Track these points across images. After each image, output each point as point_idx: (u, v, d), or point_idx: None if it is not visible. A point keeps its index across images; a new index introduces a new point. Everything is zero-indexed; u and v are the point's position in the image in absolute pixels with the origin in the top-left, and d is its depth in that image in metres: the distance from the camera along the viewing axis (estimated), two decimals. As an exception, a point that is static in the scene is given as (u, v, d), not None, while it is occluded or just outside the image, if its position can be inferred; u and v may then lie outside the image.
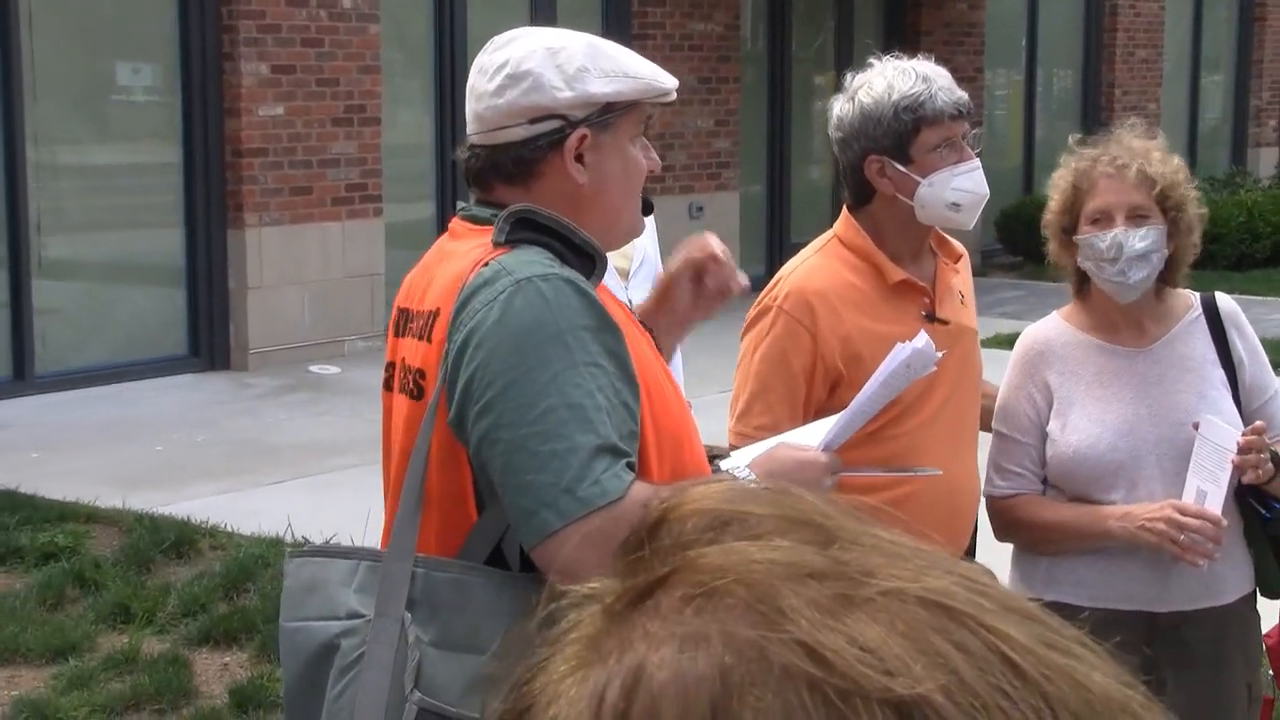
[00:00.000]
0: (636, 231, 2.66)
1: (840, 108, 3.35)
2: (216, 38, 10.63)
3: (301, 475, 8.12)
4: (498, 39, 2.62)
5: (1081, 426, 3.44)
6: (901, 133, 3.25)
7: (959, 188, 3.27)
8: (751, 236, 14.02)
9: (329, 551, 2.52)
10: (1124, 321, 3.53)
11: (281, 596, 2.50)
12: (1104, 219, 3.41)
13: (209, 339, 10.77)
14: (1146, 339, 3.53)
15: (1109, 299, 3.49)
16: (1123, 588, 3.41)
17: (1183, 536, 3.27)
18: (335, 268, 11.17)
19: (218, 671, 5.71)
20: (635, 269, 5.16)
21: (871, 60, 3.38)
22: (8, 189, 9.93)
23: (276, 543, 6.73)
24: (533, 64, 2.52)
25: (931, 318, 3.32)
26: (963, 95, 3.32)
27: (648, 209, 2.70)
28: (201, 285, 10.74)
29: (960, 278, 3.50)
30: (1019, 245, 14.84)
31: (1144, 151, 3.44)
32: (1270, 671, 3.49)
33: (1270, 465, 3.31)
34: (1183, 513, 3.28)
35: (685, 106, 13.56)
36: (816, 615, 0.66)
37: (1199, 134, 20.18)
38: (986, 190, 3.34)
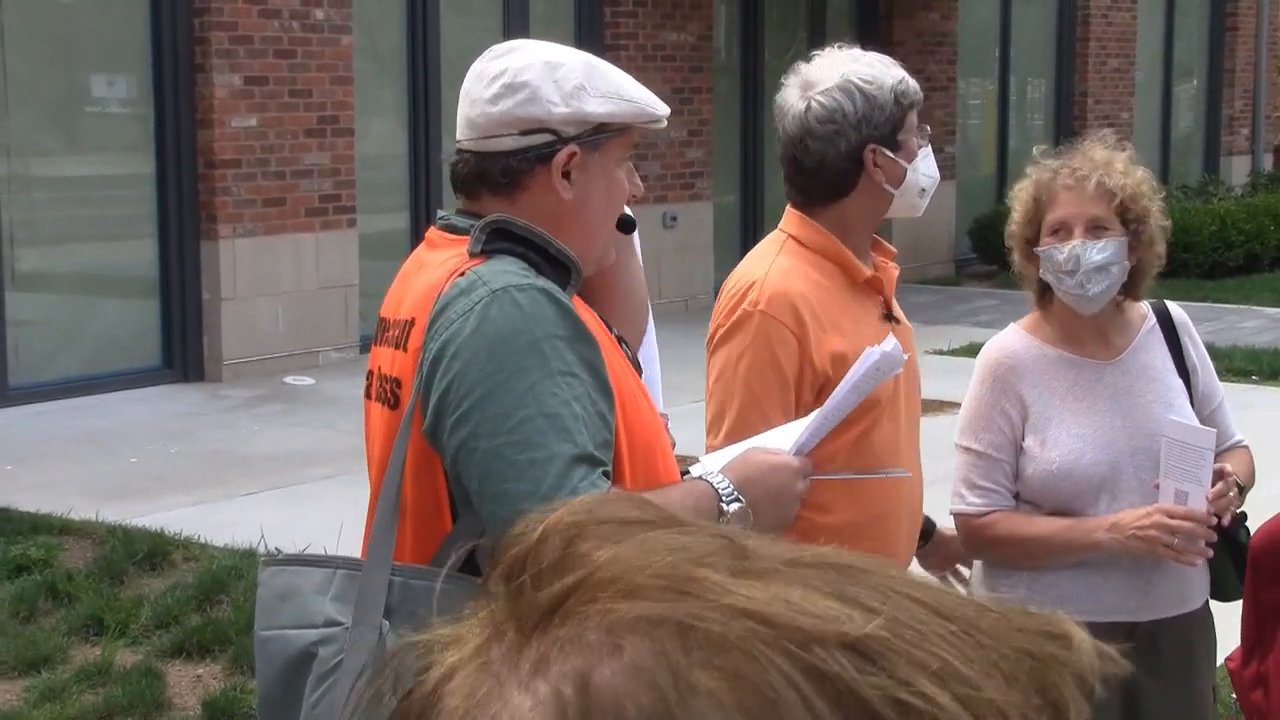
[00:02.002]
0: (609, 257, 2.66)
1: (827, 100, 3.19)
2: (189, 49, 10.62)
3: (275, 487, 8.10)
4: (497, 48, 2.63)
5: (1063, 442, 3.42)
6: (897, 118, 3.19)
7: (926, 172, 3.25)
8: (725, 246, 14.03)
9: (304, 560, 2.51)
10: (1088, 334, 3.53)
11: (256, 604, 2.50)
12: (1063, 230, 3.41)
13: (182, 350, 10.74)
14: (1113, 351, 3.54)
15: (1070, 311, 3.49)
16: (1107, 600, 3.40)
17: (1176, 539, 3.27)
18: (309, 279, 11.15)
19: (191, 683, 5.69)
20: None
21: (814, 53, 3.30)
22: (-21, 201, 9.89)
23: (250, 554, 6.71)
24: (531, 76, 2.52)
25: (889, 316, 3.29)
26: None
27: (628, 227, 2.69)
28: (175, 297, 10.72)
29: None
30: (992, 255, 14.88)
31: (1105, 163, 3.43)
32: (1233, 695, 3.49)
33: (1236, 496, 3.35)
34: (1171, 515, 3.28)
35: (659, 116, 13.56)
36: (741, 586, 0.67)
37: (1171, 142, 20.28)
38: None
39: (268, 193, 10.92)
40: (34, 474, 8.25)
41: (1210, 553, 3.32)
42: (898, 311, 3.35)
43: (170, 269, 10.72)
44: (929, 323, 13.05)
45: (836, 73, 3.20)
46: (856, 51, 3.27)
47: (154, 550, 6.77)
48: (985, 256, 15.68)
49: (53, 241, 10.60)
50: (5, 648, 5.84)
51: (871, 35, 15.71)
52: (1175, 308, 3.67)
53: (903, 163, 3.21)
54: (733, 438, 3.11)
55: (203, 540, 7.01)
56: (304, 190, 11.12)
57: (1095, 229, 3.39)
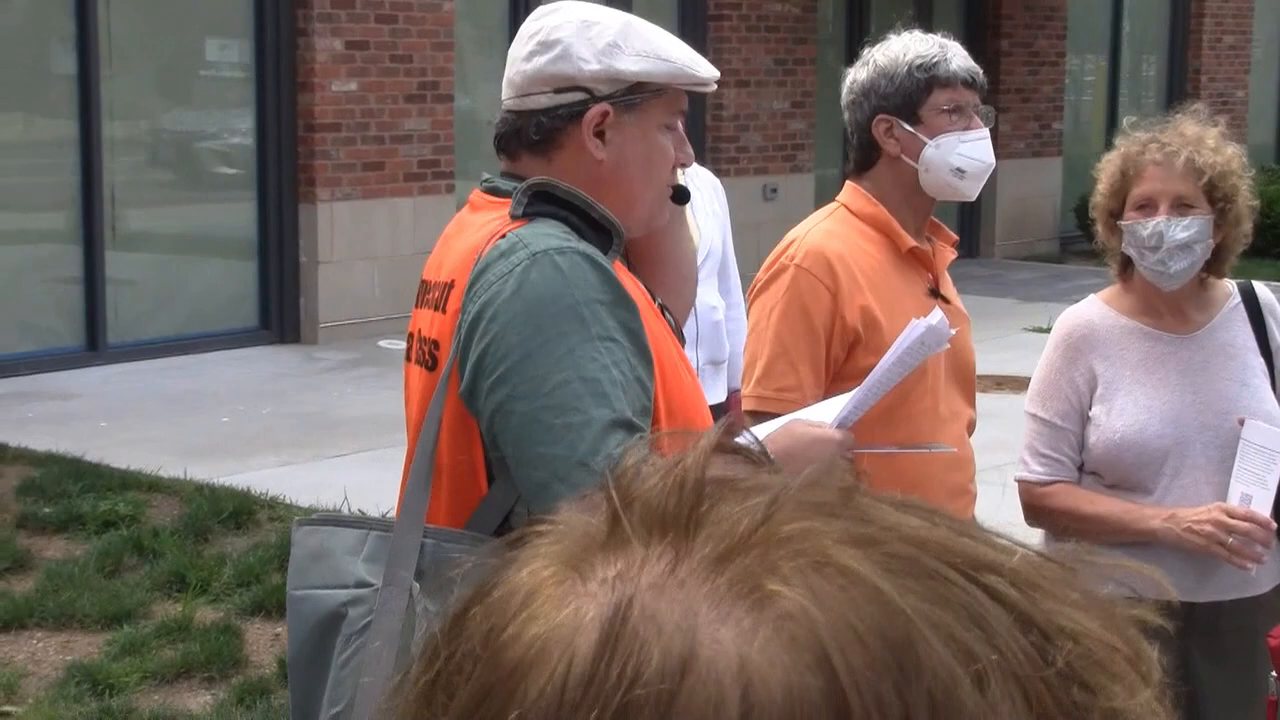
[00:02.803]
0: (658, 221, 2.62)
1: (855, 73, 3.36)
2: (291, 13, 10.67)
3: (363, 449, 8.14)
4: (541, 8, 2.62)
5: (1129, 412, 3.38)
6: (912, 91, 3.26)
7: (965, 154, 3.27)
8: (826, 219, 13.93)
9: (337, 520, 2.51)
10: (1166, 308, 3.49)
11: (289, 564, 2.50)
12: (1149, 206, 3.38)
13: (279, 312, 10.83)
14: (1190, 326, 3.49)
15: (1150, 285, 3.46)
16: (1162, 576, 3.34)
17: (1231, 539, 3.22)
18: (405, 243, 11.20)
19: (269, 642, 5.73)
20: (700, 262, 5.09)
21: (890, 34, 3.37)
22: (83, 162, 10.01)
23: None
24: (564, 33, 2.51)
25: (935, 293, 3.32)
26: (977, 68, 3.31)
27: (682, 197, 2.66)
28: (272, 259, 10.81)
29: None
30: (1098, 232, 14.65)
31: (1196, 139, 3.38)
32: (1275, 672, 3.43)
33: None
34: (1230, 515, 3.23)
35: (761, 88, 13.50)
36: (906, 518, 0.69)
37: (1287, 122, 19.90)
38: (992, 159, 3.33)
39: (366, 157, 10.97)
40: (127, 431, 8.35)
41: (1264, 559, 3.26)
42: (948, 291, 3.37)
43: (269, 231, 10.80)
44: (1029, 299, 12.91)
45: (878, 47, 3.35)
46: (917, 34, 3.35)
47: (239, 509, 6.84)
48: (1091, 234, 15.43)
49: (153, 202, 10.72)
50: (89, 601, 5.91)
51: (979, 8, 15.53)
52: (1262, 288, 3.62)
53: (922, 137, 3.25)
54: (762, 385, 3.18)
55: (288, 500, 7.06)
56: (403, 155, 11.16)
57: (1181, 206, 3.36)
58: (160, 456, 7.67)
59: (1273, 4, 19.38)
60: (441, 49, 11.34)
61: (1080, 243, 16.10)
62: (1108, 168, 3.47)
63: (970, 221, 15.62)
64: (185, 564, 6.25)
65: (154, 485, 7.24)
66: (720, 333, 5.06)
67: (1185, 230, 3.34)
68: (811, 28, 13.96)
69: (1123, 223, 3.40)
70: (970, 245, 15.67)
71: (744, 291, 5.20)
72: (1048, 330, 12.99)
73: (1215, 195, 3.36)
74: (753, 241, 11.84)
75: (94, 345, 10.07)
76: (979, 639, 0.64)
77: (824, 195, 14.21)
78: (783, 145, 13.77)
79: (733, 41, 13.18)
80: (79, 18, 9.91)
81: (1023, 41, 15.77)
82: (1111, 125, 17.37)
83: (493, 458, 2.38)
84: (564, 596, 0.67)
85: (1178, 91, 17.87)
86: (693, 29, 13.03)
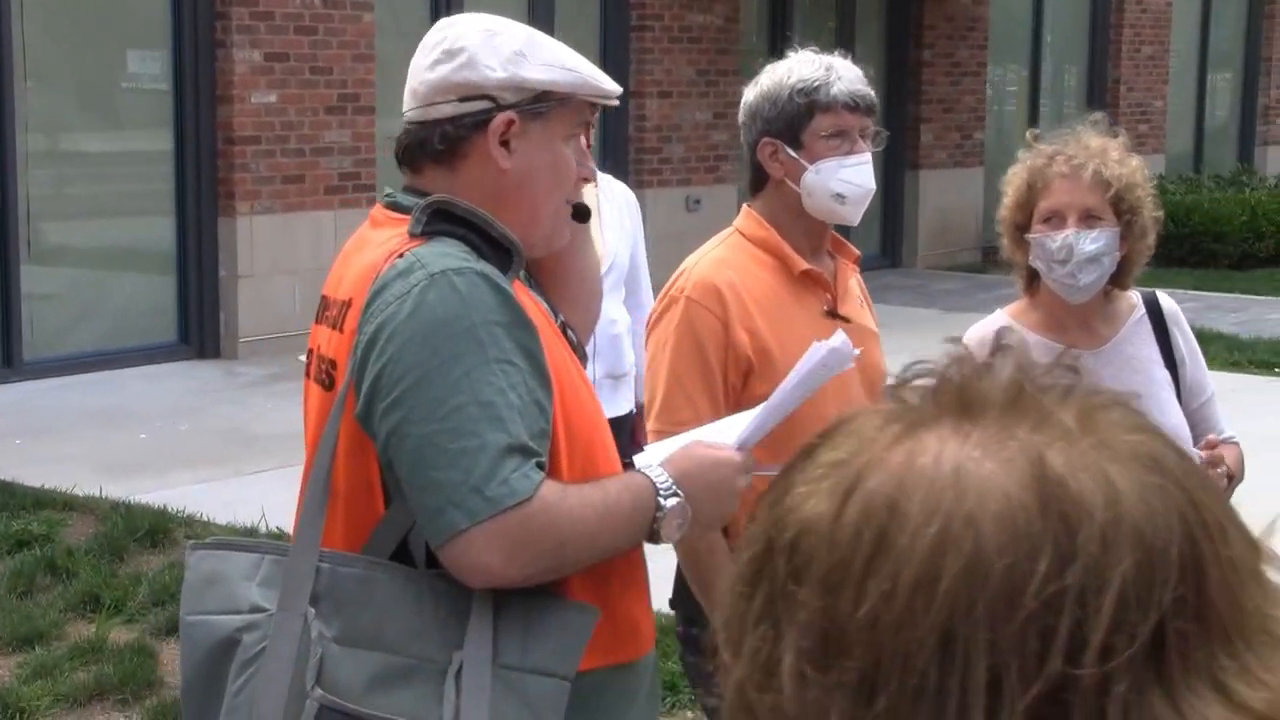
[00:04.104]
0: (558, 239, 2.59)
1: (745, 94, 3.35)
2: (210, 24, 10.59)
3: (282, 465, 8.05)
4: (443, 20, 2.60)
5: None
6: (794, 115, 3.24)
7: (845, 179, 3.25)
8: (750, 230, 13.95)
9: (231, 544, 2.47)
10: (1073, 322, 3.49)
11: (182, 589, 2.45)
12: (1056, 219, 3.38)
13: (199, 327, 10.74)
14: (1097, 340, 3.50)
15: (1057, 299, 3.46)
16: None
17: None
18: (327, 257, 11.06)
19: (183, 662, 5.66)
20: (601, 275, 5.07)
21: (789, 51, 3.36)
22: (-2, 175, 9.89)
23: (251, 533, 6.69)
24: (469, 42, 2.49)
25: (833, 314, 3.30)
26: (866, 92, 3.27)
27: (582, 215, 2.64)
28: (192, 273, 10.71)
29: (857, 281, 3.47)
30: (1020, 241, 14.72)
31: (1100, 151, 3.39)
32: None
33: (1224, 479, 3.28)
34: None
35: (683, 99, 13.51)
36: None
37: (1206, 131, 20.09)
38: (872, 184, 3.30)
39: (287, 170, 10.89)
40: (43, 448, 8.24)
41: None
42: (849, 309, 3.36)
43: (188, 245, 10.70)
44: (953, 310, 12.97)
45: (769, 67, 3.33)
46: (805, 55, 3.32)
47: (155, 527, 6.76)
48: (1013, 244, 15.56)
49: (71, 216, 10.60)
50: (1, 622, 5.82)
51: (901, 19, 15.60)
52: (1165, 298, 3.64)
53: (803, 162, 3.24)
54: (660, 420, 3.18)
55: (205, 518, 6.99)
56: (323, 168, 11.09)
57: (1088, 219, 3.36)
58: (76, 474, 7.58)
59: (1191, 15, 19.58)
60: (362, 60, 11.28)
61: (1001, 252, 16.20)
62: (1014, 180, 3.47)
63: (893, 232, 15.69)
64: (99, 584, 6.17)
65: (69, 504, 7.15)
66: (620, 346, 5.06)
67: (1094, 243, 3.34)
68: (734, 39, 13.99)
69: (1030, 236, 3.40)
70: (893, 255, 15.74)
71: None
72: (968, 340, 12.97)
73: (1121, 207, 3.37)
74: (676, 252, 11.80)
75: (9, 362, 9.95)
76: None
77: (748, 206, 14.25)
78: (705, 156, 13.78)
79: (655, 52, 13.18)
80: (-7, 30, 9.79)
81: (944, 52, 15.85)
82: (1033, 135, 17.49)
83: (389, 479, 2.34)
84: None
85: (1097, 101, 18.01)
86: (615, 40, 13.03)
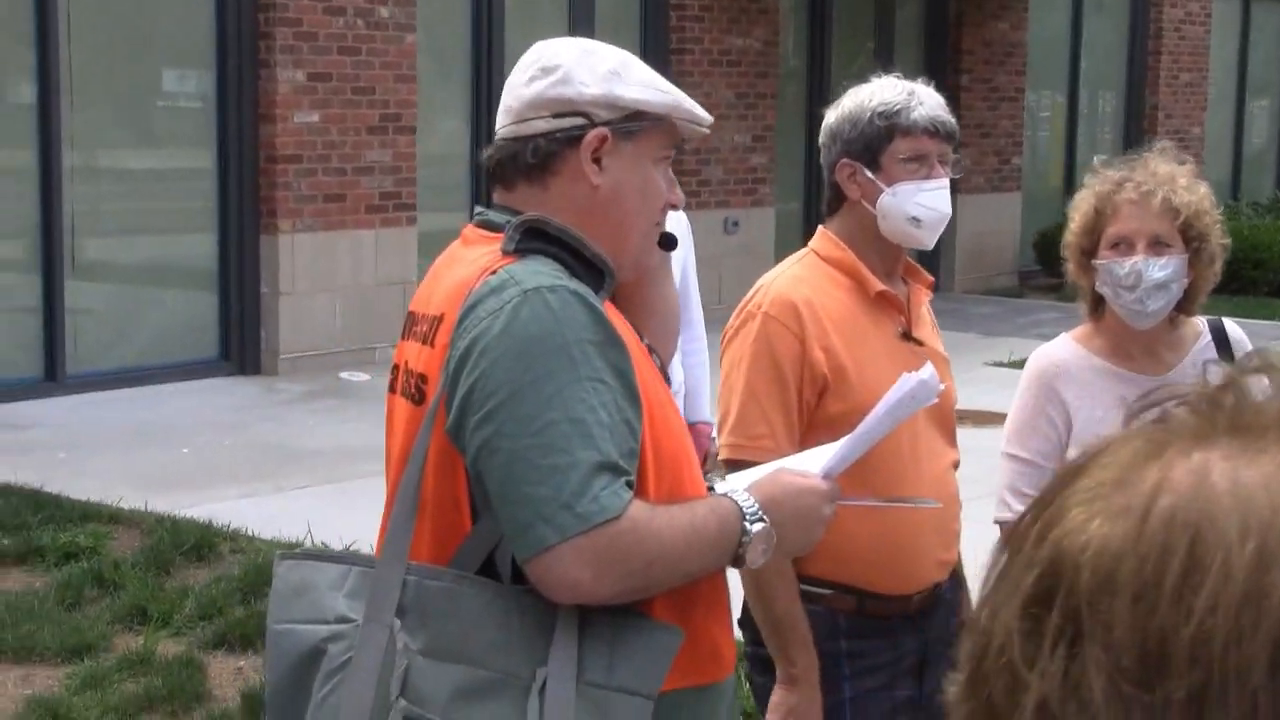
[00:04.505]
0: (647, 261, 2.60)
1: (827, 116, 3.37)
2: (253, 44, 10.65)
3: (325, 481, 8.11)
4: (540, 42, 2.62)
5: None
6: (874, 138, 3.26)
7: (921, 203, 3.26)
8: (786, 252, 13.89)
9: (320, 555, 2.49)
10: (1138, 348, 3.50)
11: (270, 598, 2.47)
12: (1125, 245, 3.38)
13: (240, 343, 10.78)
14: (1162, 366, 3.50)
15: (1123, 324, 3.46)
16: None
17: None
18: (367, 275, 11.17)
19: (231, 675, 5.69)
20: None
21: (873, 77, 3.38)
22: (43, 191, 9.96)
23: (295, 547, 6.71)
24: (565, 59, 2.51)
25: (908, 336, 3.32)
26: (947, 118, 3.29)
27: (669, 244, 2.65)
28: (234, 290, 10.76)
29: (928, 308, 3.48)
30: (1056, 267, 14.59)
31: (1169, 178, 3.39)
32: None
33: None
34: None
35: (723, 121, 13.53)
36: None
37: (1244, 158, 20.06)
38: (948, 210, 3.31)
39: (328, 189, 10.94)
40: (86, 462, 8.29)
41: None
42: (923, 333, 3.37)
43: (229, 262, 10.76)
44: (989, 334, 12.96)
45: (852, 90, 3.36)
46: (889, 80, 3.34)
47: (200, 541, 6.79)
48: (1049, 269, 15.53)
49: (114, 233, 10.66)
50: (49, 634, 5.85)
51: (939, 44, 15.62)
52: (1232, 325, 3.63)
53: (880, 184, 3.25)
54: (734, 435, 3.19)
55: (250, 533, 7.02)
56: (364, 187, 11.14)
57: (1157, 245, 3.36)
58: (120, 488, 7.61)
59: (1229, 43, 19.56)
60: (404, 81, 11.33)
61: (1039, 277, 16.19)
62: (1081, 206, 3.46)
63: (930, 256, 15.65)
64: (146, 596, 6.20)
65: (114, 517, 7.18)
66: (670, 368, 5.08)
67: (1162, 270, 3.34)
68: (773, 62, 14.01)
69: (1098, 261, 3.40)
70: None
71: (704, 324, 5.24)
72: (1009, 365, 12.97)
73: (1190, 234, 3.37)
74: (714, 274, 11.86)
75: (53, 375, 10.00)
76: None
77: (784, 229, 14.29)
78: (744, 179, 13.80)
79: (695, 75, 13.21)
80: (40, 49, 9.86)
81: (982, 77, 15.86)
82: (1070, 161, 17.49)
83: (477, 494, 2.36)
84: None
85: (1135, 128, 18.01)
86: (655, 63, 12.98)
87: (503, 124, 2.55)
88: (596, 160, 2.49)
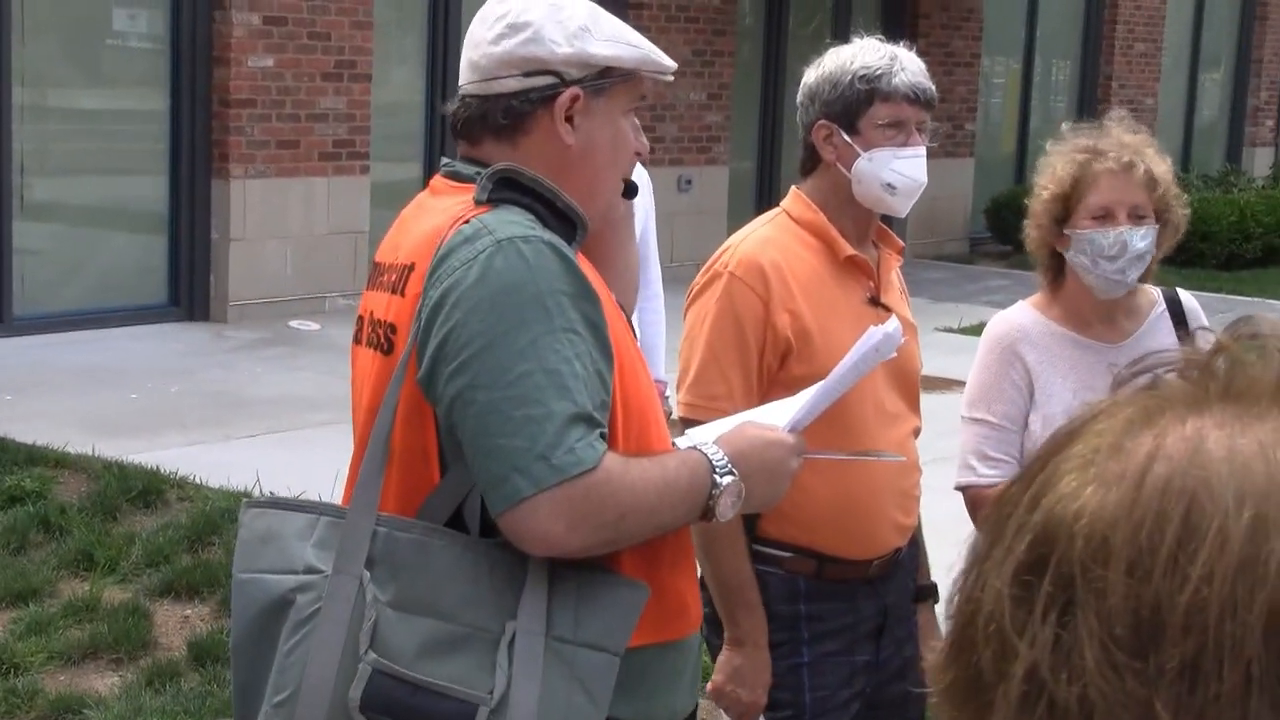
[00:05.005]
0: (614, 213, 2.59)
1: (806, 75, 3.33)
2: (209, -15, 10.52)
3: (274, 430, 8.06)
4: None
5: (1060, 422, 3.38)
6: (853, 101, 3.22)
7: (897, 170, 3.23)
8: (739, 212, 13.93)
9: (287, 504, 2.46)
10: (1096, 316, 3.52)
11: (236, 546, 2.44)
12: (1107, 216, 3.39)
13: (189, 289, 10.69)
14: (1119, 334, 3.53)
15: (1084, 292, 3.48)
16: None
17: None
18: (319, 223, 11.08)
19: (178, 624, 5.65)
20: None
21: (855, 37, 3.35)
22: (-9, 128, 9.82)
23: (244, 496, 6.66)
24: (533, 16, 2.47)
25: (875, 301, 3.30)
26: (928, 85, 3.26)
27: (630, 191, 2.63)
28: (184, 234, 10.66)
29: (897, 274, 3.47)
30: (1009, 234, 14.75)
31: (1139, 148, 3.41)
32: None
33: None
34: None
35: (678, 79, 13.43)
36: None
37: (1195, 130, 20.15)
38: (924, 179, 3.28)
39: (281, 135, 10.84)
40: (33, 405, 8.20)
41: None
42: (891, 299, 3.35)
43: (180, 207, 10.65)
44: (939, 299, 12.98)
45: (834, 50, 3.32)
46: (872, 42, 3.30)
47: (148, 488, 6.73)
48: (1001, 236, 15.58)
49: (64, 173, 10.54)
50: (-7, 578, 5.79)
51: (897, 7, 15.59)
52: (1187, 295, 3.67)
53: (857, 148, 3.22)
54: (692, 393, 3.18)
55: (198, 480, 6.96)
56: (318, 134, 11.04)
57: (1136, 216, 3.39)
58: (67, 432, 7.54)
59: (1184, 13, 19.62)
60: (360, 28, 11.23)
61: (989, 244, 16.22)
62: (1057, 173, 3.45)
63: (882, 220, 15.68)
64: (93, 542, 6.14)
65: (61, 461, 7.11)
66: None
67: (1144, 240, 3.38)
68: (730, 20, 13.96)
69: (1076, 231, 3.41)
70: (881, 243, 15.74)
71: (662, 283, 5.22)
72: (960, 331, 13.02)
73: (1160, 205, 3.40)
74: (667, 232, 11.81)
75: (0, 317, 9.89)
76: None
77: (738, 188, 14.27)
78: (698, 137, 13.76)
79: (652, 31, 13.14)
80: (-8, -17, 9.72)
81: (939, 42, 15.84)
82: (1024, 128, 17.52)
83: (447, 445, 2.33)
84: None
85: (1089, 97, 18.05)
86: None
87: (468, 79, 2.51)
88: (569, 119, 2.46)
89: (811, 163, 3.33)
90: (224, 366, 9.50)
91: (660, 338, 5.14)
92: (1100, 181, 3.39)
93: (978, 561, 0.88)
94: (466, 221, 2.35)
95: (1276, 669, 0.77)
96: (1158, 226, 3.39)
